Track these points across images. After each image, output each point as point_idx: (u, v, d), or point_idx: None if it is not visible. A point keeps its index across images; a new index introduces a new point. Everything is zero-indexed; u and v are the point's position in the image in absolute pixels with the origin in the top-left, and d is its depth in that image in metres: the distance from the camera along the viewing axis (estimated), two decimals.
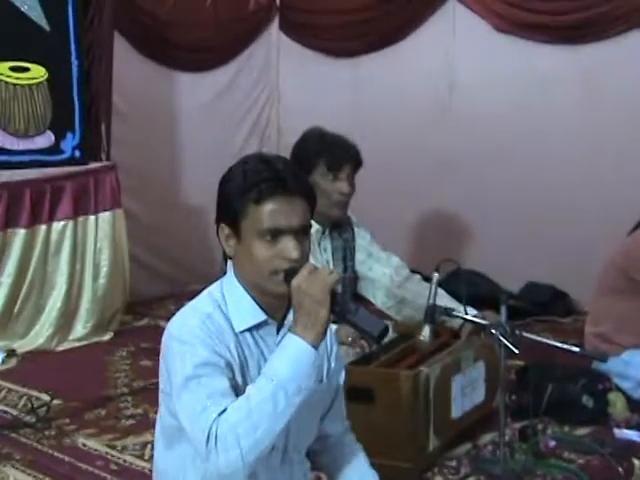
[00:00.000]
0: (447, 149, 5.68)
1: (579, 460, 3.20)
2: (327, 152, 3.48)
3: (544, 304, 5.06)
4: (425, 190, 5.75)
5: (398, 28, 5.90)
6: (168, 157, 5.99)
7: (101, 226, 4.84)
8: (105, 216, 4.85)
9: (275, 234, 1.98)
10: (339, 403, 2.29)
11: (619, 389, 3.67)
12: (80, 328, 4.82)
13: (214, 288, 2.11)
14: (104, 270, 4.86)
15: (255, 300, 2.05)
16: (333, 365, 2.22)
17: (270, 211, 1.98)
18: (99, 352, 4.70)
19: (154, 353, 4.43)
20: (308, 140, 3.58)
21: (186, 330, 2.00)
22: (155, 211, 5.79)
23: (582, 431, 3.47)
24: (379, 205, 5.53)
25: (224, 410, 1.88)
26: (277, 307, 2.07)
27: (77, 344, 4.78)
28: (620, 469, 3.12)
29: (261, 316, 2.05)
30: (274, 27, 6.51)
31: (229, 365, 1.98)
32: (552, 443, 3.29)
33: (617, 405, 3.56)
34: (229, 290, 2.07)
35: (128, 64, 5.59)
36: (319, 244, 3.57)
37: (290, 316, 2.09)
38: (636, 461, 3.21)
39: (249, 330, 2.05)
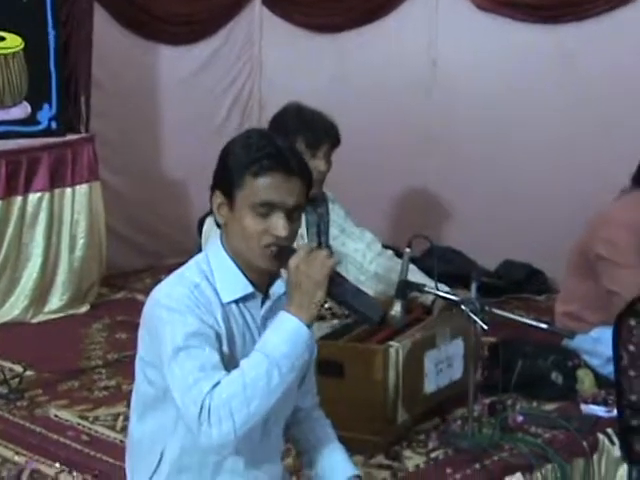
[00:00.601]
0: (429, 126, 5.70)
1: (545, 435, 3.23)
2: (306, 130, 3.48)
3: (520, 282, 5.10)
4: (406, 167, 5.75)
5: (381, 4, 5.88)
6: (149, 130, 5.96)
7: (78, 198, 4.84)
8: (82, 188, 4.85)
9: (268, 209, 2.01)
10: (310, 377, 2.32)
11: (588, 366, 3.71)
12: (56, 300, 4.83)
13: (201, 259, 2.12)
14: (81, 242, 4.86)
15: (242, 272, 2.08)
16: None
17: (267, 185, 2.01)
18: (75, 324, 4.71)
19: (130, 326, 4.52)
20: (287, 116, 3.58)
21: (175, 298, 2.01)
22: (135, 184, 5.78)
23: (550, 407, 3.50)
24: (359, 181, 5.57)
25: (217, 383, 1.91)
26: (263, 280, 2.11)
27: (53, 316, 4.79)
28: (585, 443, 3.17)
29: (248, 288, 2.08)
30: (257, 1, 6.48)
31: (218, 336, 2.01)
32: (520, 418, 3.33)
33: (585, 381, 3.60)
34: (216, 261, 2.09)
35: (108, 36, 5.57)
36: None
37: (274, 289, 2.13)
38: (601, 435, 3.26)
39: (235, 302, 2.08)
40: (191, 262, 2.12)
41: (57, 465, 3.05)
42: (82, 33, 5.17)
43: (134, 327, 4.39)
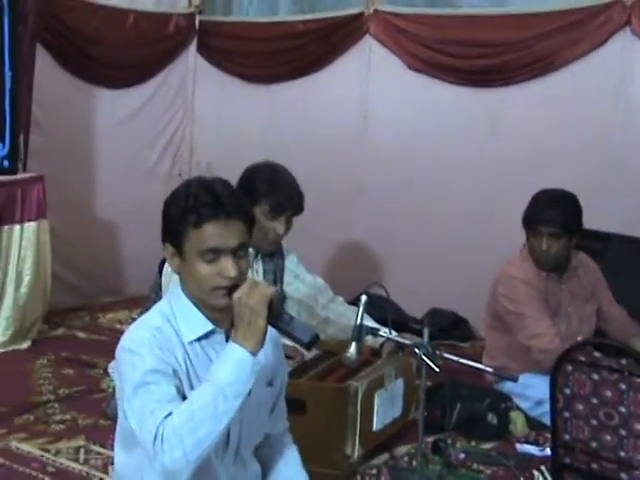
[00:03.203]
0: (358, 177, 5.98)
1: (486, 471, 3.50)
2: (273, 195, 3.61)
3: (446, 329, 5.38)
4: (336, 216, 5.99)
5: (315, 60, 6.15)
6: (84, 171, 6.08)
7: (26, 236, 4.93)
8: (30, 226, 4.94)
9: (214, 254, 2.15)
10: (281, 404, 2.49)
11: (519, 408, 4.00)
12: None
13: (163, 304, 2.28)
14: (26, 279, 4.94)
15: (202, 312, 2.22)
16: (282, 370, 2.44)
17: (209, 233, 2.14)
18: (19, 360, 4.76)
19: (75, 362, 4.62)
20: (258, 176, 3.68)
21: (136, 341, 2.16)
22: (69, 224, 5.86)
23: (487, 445, 3.77)
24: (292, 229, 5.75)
25: (170, 413, 2.04)
26: (223, 318, 2.23)
27: None
28: (522, 479, 3.44)
29: (208, 326, 2.22)
30: (192, 49, 6.70)
31: (176, 373, 2.15)
32: (462, 455, 3.58)
33: (518, 423, 3.89)
34: (177, 304, 2.24)
35: (49, 77, 5.69)
36: (252, 266, 3.75)
37: None
38: (535, 472, 3.53)
39: (198, 340, 2.22)
40: (154, 308, 2.29)
41: None
42: (25, 74, 5.27)
43: (79, 363, 4.57)
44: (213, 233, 2.14)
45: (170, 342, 2.18)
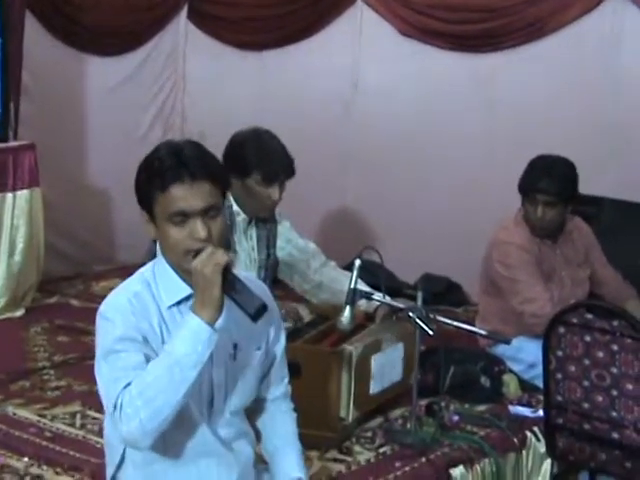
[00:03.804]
0: (349, 144, 5.97)
1: (480, 433, 3.53)
2: (264, 165, 3.58)
3: (439, 294, 5.39)
4: (327, 184, 6.00)
5: (306, 26, 6.12)
6: (74, 139, 6.05)
7: (18, 204, 4.93)
8: (23, 194, 4.94)
9: (182, 216, 2.14)
10: (276, 370, 2.47)
11: (512, 371, 4.04)
12: None
13: (146, 268, 2.29)
14: (20, 247, 4.95)
15: (180, 276, 2.23)
16: (272, 334, 2.42)
17: (174, 196, 2.13)
18: (13, 327, 4.79)
19: (69, 329, 4.64)
20: (246, 147, 3.63)
21: (111, 307, 2.19)
22: (61, 192, 5.84)
23: (481, 408, 3.80)
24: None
25: (129, 383, 2.06)
26: None
27: None
28: (515, 440, 3.52)
29: (186, 290, 2.21)
30: (182, 16, 6.65)
31: (147, 340, 2.16)
32: (455, 417, 3.62)
33: (511, 385, 3.92)
34: (158, 269, 2.25)
35: (38, 44, 5.66)
36: (245, 232, 3.75)
37: None
38: (528, 433, 3.58)
39: (177, 304, 2.22)
40: (137, 272, 2.30)
41: (26, 459, 3.18)
42: (14, 41, 5.24)
43: (73, 330, 4.60)
44: (178, 196, 2.13)
45: (146, 309, 2.19)
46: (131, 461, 2.27)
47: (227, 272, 2.09)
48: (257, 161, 3.58)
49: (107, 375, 2.11)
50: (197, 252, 2.13)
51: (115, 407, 2.05)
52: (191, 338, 2.06)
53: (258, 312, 2.11)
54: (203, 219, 2.14)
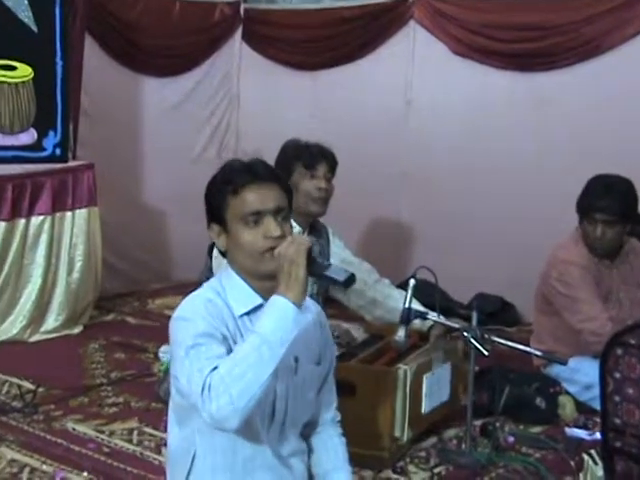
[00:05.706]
0: (402, 162, 5.99)
1: (535, 455, 3.51)
2: (303, 154, 3.75)
3: (493, 314, 5.38)
4: (379, 201, 6.02)
5: (359, 46, 6.16)
6: (131, 158, 6.17)
7: (77, 222, 5.03)
8: (81, 213, 5.04)
9: (256, 216, 2.23)
10: (327, 390, 2.50)
11: (567, 392, 4.00)
12: (52, 320, 4.99)
13: (213, 281, 2.34)
14: (78, 265, 5.04)
15: (251, 286, 2.28)
16: (327, 352, 2.45)
17: (247, 198, 2.24)
18: (71, 344, 4.87)
19: (126, 347, 4.70)
20: (286, 148, 3.84)
21: (188, 310, 2.23)
22: (117, 211, 5.92)
23: (536, 429, 3.78)
24: (334, 214, 5.78)
25: (216, 367, 2.09)
26: (271, 289, 2.23)
27: (48, 336, 4.95)
28: (572, 463, 3.45)
29: (258, 300, 2.27)
30: (237, 37, 6.75)
31: (226, 339, 2.20)
32: (511, 439, 3.60)
33: (567, 407, 3.89)
34: (227, 281, 2.30)
35: (96, 66, 5.78)
36: None
37: None
38: (585, 456, 3.53)
39: (248, 314, 2.27)
40: (204, 285, 2.35)
41: (85, 474, 3.24)
42: (74, 63, 5.35)
43: (130, 348, 4.66)
44: (251, 197, 2.24)
45: (222, 313, 2.24)
46: (201, 466, 2.29)
47: (309, 255, 2.17)
48: (296, 153, 3.75)
49: (191, 367, 2.12)
50: (274, 249, 2.19)
51: (203, 388, 2.06)
52: (279, 316, 2.10)
53: (349, 280, 2.19)
54: (275, 218, 2.23)
